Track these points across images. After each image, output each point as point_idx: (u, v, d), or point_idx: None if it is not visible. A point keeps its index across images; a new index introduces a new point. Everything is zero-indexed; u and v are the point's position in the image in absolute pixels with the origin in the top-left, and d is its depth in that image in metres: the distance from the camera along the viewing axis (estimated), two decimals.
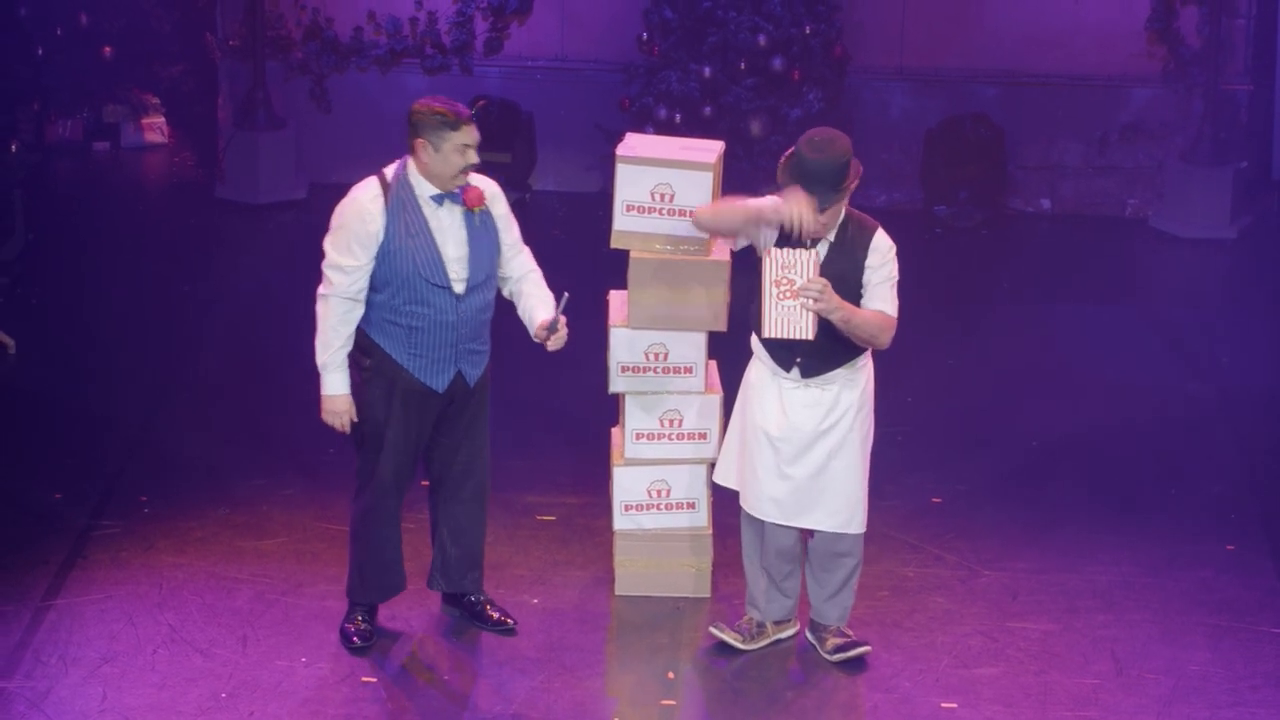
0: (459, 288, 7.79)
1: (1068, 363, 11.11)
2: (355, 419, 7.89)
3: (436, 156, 7.67)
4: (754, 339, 7.95)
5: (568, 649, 8.14)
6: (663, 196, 8.24)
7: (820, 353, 7.78)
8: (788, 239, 7.69)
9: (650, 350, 8.39)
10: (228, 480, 9.49)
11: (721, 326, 8.34)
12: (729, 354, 8.52)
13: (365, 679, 7.89)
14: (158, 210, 13.42)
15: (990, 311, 11.89)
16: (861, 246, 7.74)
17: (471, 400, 8.00)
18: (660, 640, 8.25)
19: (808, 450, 7.88)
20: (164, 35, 14.39)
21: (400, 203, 7.73)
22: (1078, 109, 13.48)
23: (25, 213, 11.83)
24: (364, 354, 7.88)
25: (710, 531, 8.56)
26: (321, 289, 7.82)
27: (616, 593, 8.55)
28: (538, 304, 7.92)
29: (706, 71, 12.81)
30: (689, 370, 8.41)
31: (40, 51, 13.76)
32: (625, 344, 8.36)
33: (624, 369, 8.40)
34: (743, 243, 7.94)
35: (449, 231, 7.77)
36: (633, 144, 8.45)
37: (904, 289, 7.82)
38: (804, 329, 7.59)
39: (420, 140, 7.67)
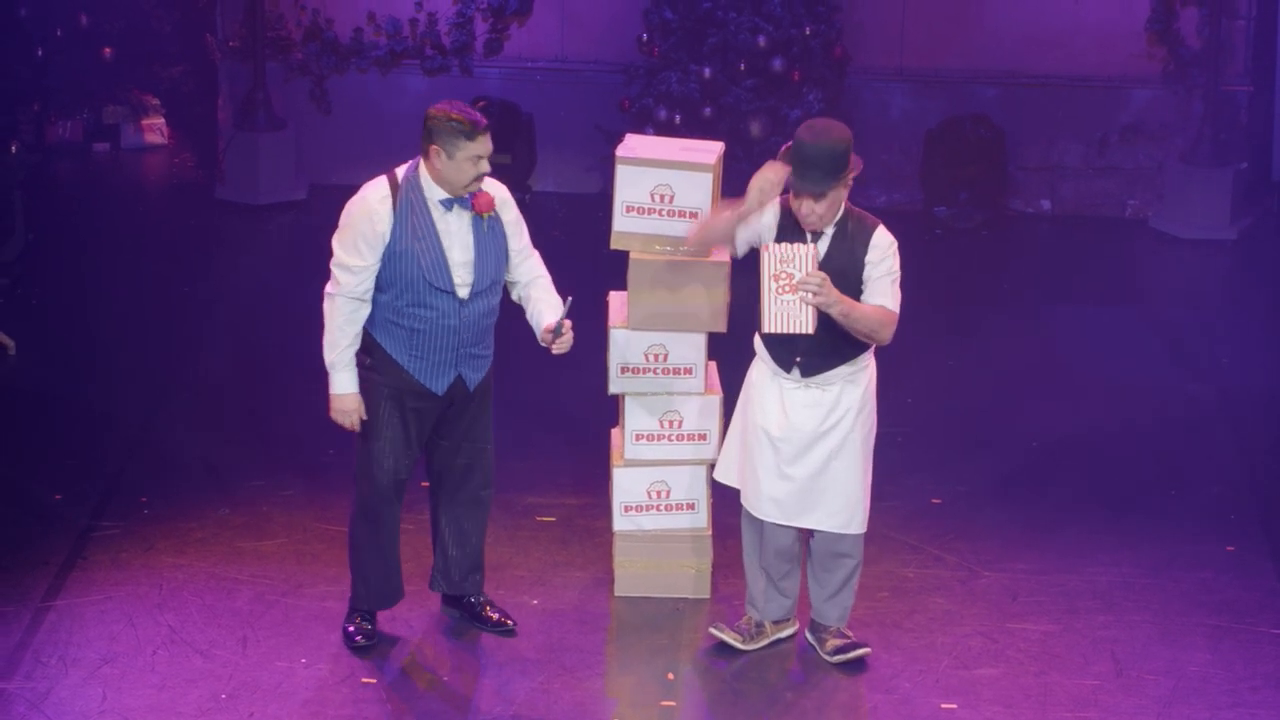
0: (463, 292, 7.78)
1: (1068, 364, 11.11)
2: (364, 417, 7.88)
3: (450, 164, 7.66)
4: (757, 338, 7.95)
5: (567, 650, 8.15)
6: (662, 198, 8.24)
7: (820, 351, 7.79)
8: (787, 234, 7.71)
9: (650, 351, 8.39)
10: (228, 481, 9.50)
11: (721, 327, 8.34)
12: (729, 355, 8.52)
13: (365, 680, 7.89)
14: (158, 211, 13.42)
15: (990, 312, 11.89)
16: (862, 242, 7.74)
17: (471, 403, 8.00)
18: (660, 641, 8.25)
19: (808, 451, 7.88)
20: (164, 36, 14.39)
21: (409, 205, 7.72)
22: (1078, 110, 13.48)
23: (25, 213, 11.83)
24: (365, 353, 7.88)
25: (710, 532, 8.56)
26: (329, 288, 7.82)
27: (616, 594, 8.56)
28: (545, 308, 7.92)
29: (706, 72, 12.81)
30: (689, 371, 8.41)
31: (40, 52, 13.76)
32: (625, 345, 8.36)
33: (624, 370, 8.40)
34: (744, 248, 7.93)
35: (456, 236, 7.76)
36: (632, 145, 8.45)
37: (904, 290, 7.82)
38: (803, 323, 7.60)
39: (434, 146, 7.64)
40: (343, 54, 13.60)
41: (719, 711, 7.84)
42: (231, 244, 12.76)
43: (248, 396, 10.48)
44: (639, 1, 13.21)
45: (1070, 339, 11.49)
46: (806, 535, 8.09)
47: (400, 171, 7.80)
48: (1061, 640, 8.28)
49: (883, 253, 7.74)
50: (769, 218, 7.81)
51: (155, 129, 14.44)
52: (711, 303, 8.29)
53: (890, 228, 7.83)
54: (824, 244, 7.74)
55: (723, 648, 8.16)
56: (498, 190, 7.86)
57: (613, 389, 8.44)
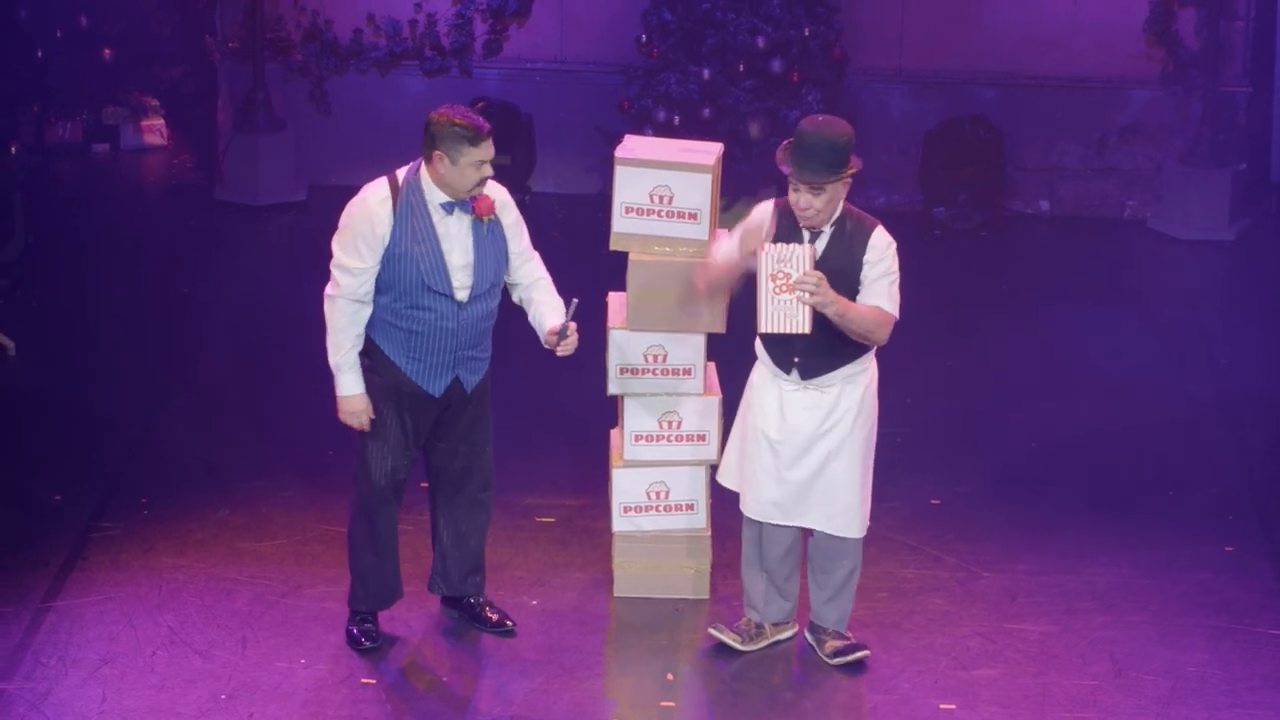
0: (462, 295, 7.78)
1: (1066, 364, 11.11)
2: (373, 416, 7.88)
3: (453, 169, 7.65)
4: (758, 341, 7.96)
5: (567, 650, 8.15)
6: (661, 199, 8.25)
7: (818, 353, 7.79)
8: (785, 236, 7.72)
9: (649, 352, 8.39)
10: (228, 482, 9.50)
11: (720, 328, 8.35)
12: (728, 356, 8.53)
13: (365, 681, 7.89)
14: (157, 212, 13.42)
15: (989, 313, 11.90)
16: (860, 242, 7.75)
17: (469, 406, 8.00)
18: (659, 642, 8.26)
19: (806, 452, 7.88)
20: (164, 37, 14.39)
21: (409, 207, 7.72)
22: (1077, 111, 13.48)
23: (25, 215, 11.83)
24: (364, 354, 7.87)
25: (709, 533, 8.57)
26: (329, 289, 7.82)
27: (615, 594, 8.56)
28: (547, 310, 7.92)
29: (705, 73, 12.82)
30: (688, 372, 8.41)
31: (40, 54, 13.76)
32: (624, 346, 8.37)
33: (623, 371, 8.40)
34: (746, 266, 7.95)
35: (455, 239, 7.76)
36: (631, 146, 8.46)
37: (903, 291, 7.82)
38: (799, 323, 7.60)
39: (438, 152, 7.63)
40: (342, 55, 13.60)
41: (718, 712, 7.85)
42: (231, 245, 12.77)
43: (248, 397, 10.48)
44: (638, 2, 13.21)
45: (1069, 340, 11.49)
46: (807, 535, 8.10)
47: (401, 173, 7.80)
48: (1060, 641, 8.29)
49: (881, 253, 7.75)
50: (765, 225, 7.82)
51: (155, 130, 14.45)
52: (711, 303, 8.30)
53: (889, 229, 7.83)
54: (822, 243, 7.75)
55: (722, 648, 8.16)
56: (498, 193, 7.86)
57: (612, 390, 8.45)
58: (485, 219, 7.78)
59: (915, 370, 10.52)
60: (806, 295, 7.55)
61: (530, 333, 8.00)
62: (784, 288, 7.58)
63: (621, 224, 8.31)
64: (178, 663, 7.96)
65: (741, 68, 12.83)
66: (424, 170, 7.73)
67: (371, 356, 7.87)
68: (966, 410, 10.52)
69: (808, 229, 7.74)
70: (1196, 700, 7.87)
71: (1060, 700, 7.87)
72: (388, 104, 13.51)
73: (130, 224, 13.06)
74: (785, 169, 7.67)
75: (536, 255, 8.06)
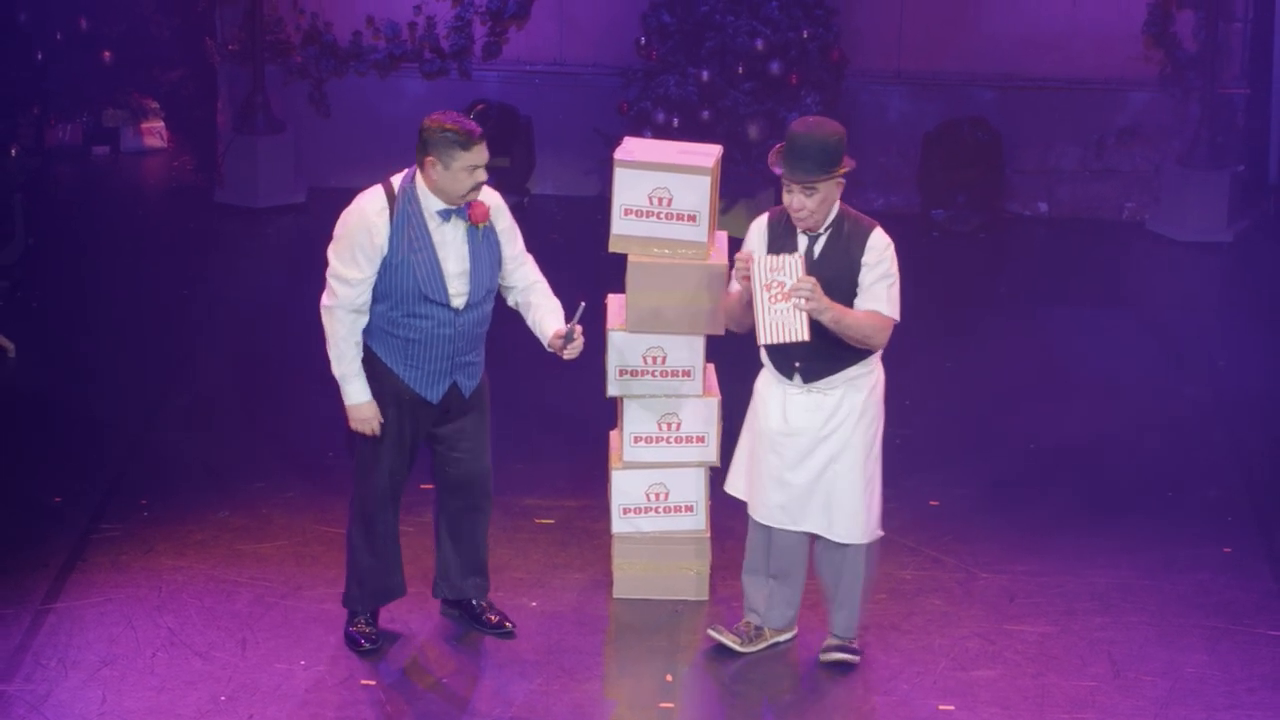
0: (458, 303, 7.78)
1: (1065, 366, 11.12)
2: (383, 420, 7.88)
3: (446, 175, 7.65)
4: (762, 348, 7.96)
5: (566, 652, 8.16)
6: (660, 200, 8.26)
7: (818, 357, 7.79)
8: (778, 246, 7.73)
9: (648, 353, 8.40)
10: (228, 483, 9.51)
11: (719, 330, 8.35)
12: (727, 357, 8.54)
13: (364, 682, 7.90)
14: (157, 214, 13.43)
15: (987, 315, 11.90)
16: (858, 244, 7.74)
17: (469, 410, 8.01)
18: (659, 643, 8.26)
19: (809, 454, 7.87)
20: (163, 40, 14.39)
21: (406, 216, 7.72)
22: (1075, 112, 13.49)
23: (25, 217, 11.84)
24: (362, 361, 7.88)
25: (708, 535, 8.57)
26: (326, 300, 7.80)
27: (615, 596, 8.57)
28: (548, 314, 7.92)
29: (704, 75, 12.83)
30: (687, 373, 8.42)
31: (40, 56, 13.77)
32: (623, 347, 8.37)
33: (622, 372, 8.41)
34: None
35: (451, 247, 7.76)
36: (630, 148, 8.46)
37: (902, 292, 7.83)
38: (797, 330, 7.61)
39: (430, 158, 7.63)
40: (341, 57, 13.61)
41: (717, 713, 7.85)
42: (231, 247, 12.78)
43: (247, 399, 10.49)
44: (637, 5, 13.23)
45: (1067, 341, 11.50)
46: (813, 540, 8.08)
47: (396, 181, 7.79)
48: (1059, 642, 8.30)
49: (879, 254, 7.74)
50: (756, 239, 7.83)
51: (155, 132, 14.46)
52: (710, 305, 8.30)
53: (888, 230, 7.84)
54: (820, 245, 7.75)
55: (721, 650, 8.17)
56: (492, 198, 7.85)
57: (611, 391, 8.46)
58: (480, 226, 7.77)
59: (914, 372, 10.51)
60: (802, 301, 7.55)
61: (529, 335, 8.01)
62: (779, 296, 7.59)
63: (621, 226, 8.32)
64: (177, 664, 7.96)
65: (740, 70, 12.84)
66: (418, 178, 7.72)
67: (369, 364, 7.86)
68: (965, 412, 10.52)
69: (804, 231, 7.75)
70: (1195, 701, 7.88)
71: (1059, 701, 7.87)
72: (387, 106, 13.51)
73: (130, 226, 13.07)
74: (778, 170, 7.68)
75: (530, 258, 8.06)
